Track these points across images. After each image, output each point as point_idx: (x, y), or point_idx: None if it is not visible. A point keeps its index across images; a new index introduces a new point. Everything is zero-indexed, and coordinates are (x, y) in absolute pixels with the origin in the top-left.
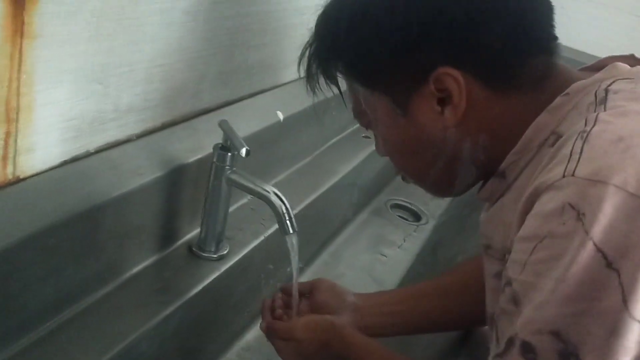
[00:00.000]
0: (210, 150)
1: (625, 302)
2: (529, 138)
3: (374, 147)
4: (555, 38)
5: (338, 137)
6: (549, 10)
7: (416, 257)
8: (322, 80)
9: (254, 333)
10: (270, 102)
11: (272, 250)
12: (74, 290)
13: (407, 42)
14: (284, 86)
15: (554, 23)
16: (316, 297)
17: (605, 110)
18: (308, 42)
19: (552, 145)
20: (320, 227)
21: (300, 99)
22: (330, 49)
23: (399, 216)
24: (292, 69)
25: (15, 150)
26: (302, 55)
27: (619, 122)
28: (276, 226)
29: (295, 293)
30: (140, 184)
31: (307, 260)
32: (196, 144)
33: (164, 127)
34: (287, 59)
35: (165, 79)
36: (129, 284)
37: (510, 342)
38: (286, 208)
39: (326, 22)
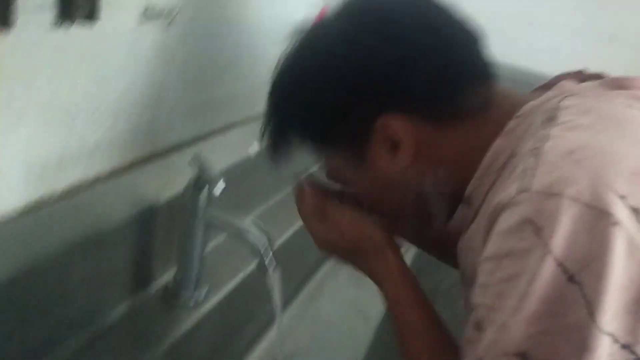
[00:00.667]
0: (183, 187)
1: (591, 314)
2: (488, 164)
3: None
4: (489, 64)
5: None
6: (474, 39)
7: None
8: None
9: None
10: (242, 135)
11: (251, 290)
12: (41, 346)
13: (342, 98)
14: (256, 120)
15: (484, 49)
16: None
17: (556, 126)
18: (264, 119)
19: (513, 168)
20: (299, 262)
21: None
22: (283, 121)
23: None
24: (261, 103)
25: None
26: (262, 133)
27: (569, 135)
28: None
29: (279, 331)
30: (113, 227)
31: (288, 297)
32: (168, 181)
33: (133, 164)
34: (258, 92)
35: (134, 115)
36: (102, 335)
37: None
38: (266, 246)
39: (273, 95)
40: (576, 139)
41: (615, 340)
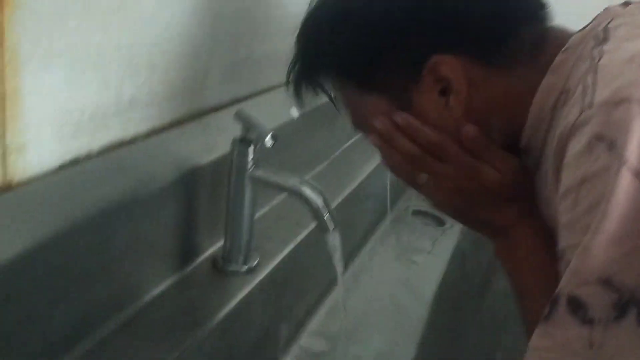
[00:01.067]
0: (226, 149)
1: None
2: (539, 105)
3: None
4: (545, 5)
5: (353, 140)
6: None
7: (449, 260)
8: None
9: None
10: (281, 99)
11: (306, 258)
12: (86, 319)
13: (392, 36)
14: None
15: None
16: None
17: (608, 43)
18: (291, 63)
19: (565, 104)
20: (345, 238)
21: (312, 97)
22: (317, 62)
23: (423, 222)
24: None
25: (5, 149)
26: (288, 77)
27: (624, 45)
28: (307, 230)
29: (341, 295)
30: (154, 188)
31: (325, 290)
32: (210, 143)
33: (172, 124)
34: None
35: (169, 68)
36: (148, 308)
37: (554, 301)
38: (324, 201)
39: (307, 36)
40: (634, 46)
41: None
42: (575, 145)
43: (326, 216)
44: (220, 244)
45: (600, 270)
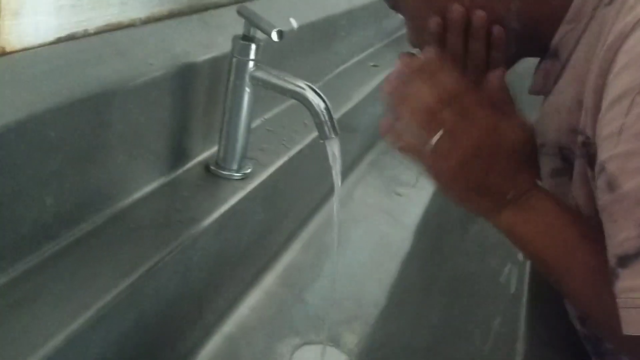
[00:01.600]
0: (226, 49)
1: None
2: (582, 1)
3: (382, 77)
4: None
5: (348, 64)
6: None
7: (433, 193)
8: None
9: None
10: (281, 7)
11: (301, 171)
12: (77, 204)
13: None
14: None
15: None
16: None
17: None
18: None
19: (610, 3)
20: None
21: (314, 10)
22: None
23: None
24: None
25: None
26: None
27: None
28: (301, 146)
29: (337, 206)
30: (151, 77)
31: (317, 204)
32: (209, 40)
33: (171, 15)
34: None
35: None
36: (142, 203)
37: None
38: (326, 106)
39: None
40: None
41: None
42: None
43: (327, 122)
44: (214, 149)
45: None
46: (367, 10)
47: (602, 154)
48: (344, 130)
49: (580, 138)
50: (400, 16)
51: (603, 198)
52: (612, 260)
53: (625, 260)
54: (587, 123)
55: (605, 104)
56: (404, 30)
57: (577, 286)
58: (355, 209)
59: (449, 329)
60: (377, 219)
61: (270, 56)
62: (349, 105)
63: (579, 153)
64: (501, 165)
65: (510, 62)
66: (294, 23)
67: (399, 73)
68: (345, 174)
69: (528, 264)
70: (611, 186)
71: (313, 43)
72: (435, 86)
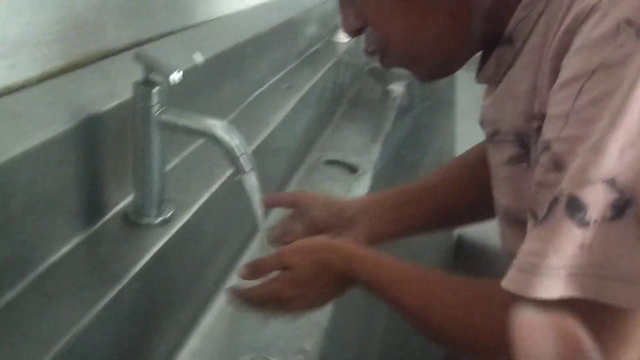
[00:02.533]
0: (129, 94)
1: None
2: None
3: (299, 98)
4: None
5: (262, 89)
6: None
7: None
8: None
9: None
10: (182, 44)
11: (223, 207)
12: None
13: None
14: (195, 28)
15: None
16: (309, 214)
17: None
18: None
19: None
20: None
21: (216, 43)
22: None
23: (336, 171)
24: (202, 8)
25: None
26: None
27: None
28: (222, 180)
29: (263, 240)
30: (51, 136)
31: (251, 229)
32: (110, 88)
33: (66, 69)
34: None
35: (59, 6)
36: (60, 265)
37: (553, 202)
38: (238, 143)
39: None
40: None
41: None
42: (597, 28)
43: (241, 157)
44: (130, 197)
45: (608, 169)
46: (273, 33)
47: (548, 133)
48: (267, 154)
49: (536, 123)
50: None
51: (547, 175)
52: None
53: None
54: (541, 107)
55: (557, 83)
56: (313, 49)
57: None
58: None
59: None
60: None
61: (181, 93)
62: (268, 129)
63: (535, 139)
64: (322, 300)
65: (467, 56)
66: (199, 58)
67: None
68: (276, 191)
69: None
70: (558, 165)
71: (223, 74)
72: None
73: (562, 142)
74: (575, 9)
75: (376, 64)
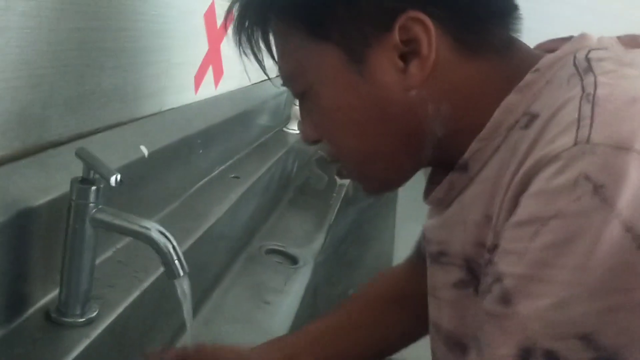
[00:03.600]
0: (65, 189)
1: None
2: (498, 121)
3: (245, 188)
4: (517, 9)
5: (207, 178)
6: None
7: (301, 299)
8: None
9: None
10: (130, 136)
11: (152, 306)
12: None
13: None
14: (144, 119)
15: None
16: None
17: (599, 75)
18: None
19: (526, 126)
20: (196, 279)
21: (165, 134)
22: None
23: (276, 261)
24: (152, 100)
25: None
26: (229, 10)
27: (624, 84)
28: (154, 277)
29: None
30: None
31: (178, 330)
32: (46, 182)
33: (2, 161)
34: (147, 88)
35: (2, 99)
36: None
37: (527, 352)
38: (173, 247)
39: None
40: (635, 86)
41: None
42: (556, 177)
43: (175, 261)
44: (55, 293)
45: (580, 325)
46: (225, 124)
47: (502, 266)
48: (207, 244)
49: (487, 255)
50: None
51: (495, 307)
52: None
53: None
54: (495, 239)
55: (513, 220)
56: (263, 139)
57: None
58: (223, 326)
59: None
60: (245, 333)
61: (125, 183)
62: (210, 220)
63: (484, 269)
64: None
65: (415, 169)
66: (145, 150)
67: None
68: (214, 285)
69: None
70: (505, 300)
71: (169, 165)
72: None
73: (514, 279)
74: (538, 154)
75: (323, 153)
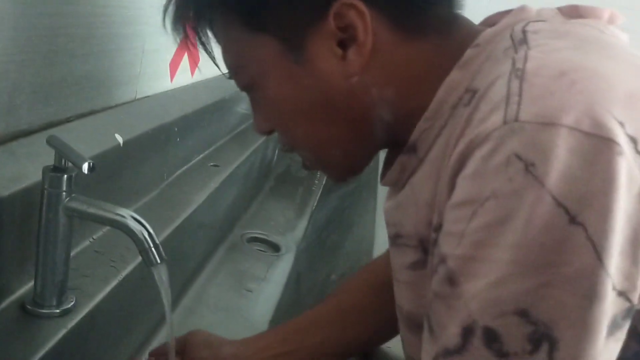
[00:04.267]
0: (37, 178)
1: (599, 258)
2: (441, 100)
3: (224, 176)
4: None
5: (186, 167)
6: None
7: (284, 287)
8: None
9: None
10: (104, 124)
11: (132, 296)
12: None
13: None
14: (118, 107)
15: None
16: (190, 355)
17: (531, 48)
18: None
19: (468, 103)
20: (177, 268)
21: (140, 122)
22: None
23: (258, 249)
24: (126, 88)
25: None
26: (165, 12)
27: (554, 56)
28: (132, 266)
29: (172, 343)
30: None
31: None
32: (18, 171)
33: None
34: (121, 75)
35: None
36: None
37: (468, 332)
38: (149, 234)
39: None
40: (563, 59)
41: (613, 287)
42: (489, 157)
43: (152, 249)
44: (30, 284)
45: (517, 301)
46: (203, 112)
47: (444, 247)
48: (188, 233)
49: (433, 235)
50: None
51: (441, 288)
52: (438, 346)
53: (446, 353)
54: (439, 218)
55: (451, 201)
56: (243, 126)
57: None
58: (206, 315)
59: None
60: (228, 322)
61: (100, 172)
62: (190, 208)
63: (432, 250)
64: None
65: (372, 156)
66: (120, 139)
67: None
68: (195, 274)
69: None
70: (451, 281)
71: (146, 153)
72: None
73: (456, 260)
74: (469, 135)
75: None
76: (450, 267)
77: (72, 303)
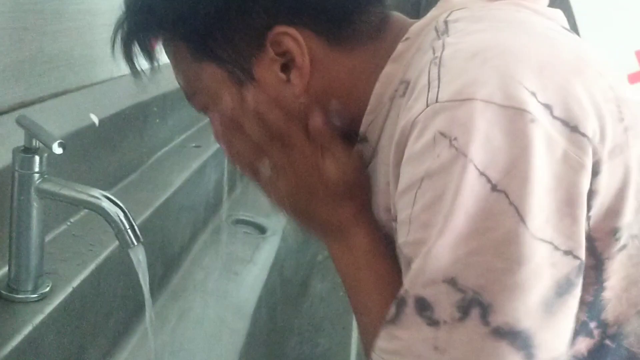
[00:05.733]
0: (7, 161)
1: (522, 221)
2: (379, 93)
3: (206, 157)
4: None
5: (167, 148)
6: None
7: (270, 268)
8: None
9: None
10: (78, 103)
11: (111, 280)
12: None
13: (233, 1)
14: (93, 86)
15: None
16: None
17: (449, 36)
18: (119, 20)
19: (403, 94)
20: (161, 252)
21: (117, 101)
22: (149, 22)
23: (244, 231)
24: (103, 66)
25: None
26: (115, 35)
27: (467, 39)
28: (110, 249)
29: (150, 317)
30: None
31: (152, 292)
32: None
33: None
34: (96, 53)
35: None
36: None
37: (401, 302)
38: (125, 215)
39: None
40: (476, 41)
41: (556, 248)
42: (418, 141)
43: (128, 230)
44: (4, 269)
45: (446, 269)
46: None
47: (400, 237)
48: (170, 215)
49: (394, 224)
50: None
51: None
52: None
53: (385, 325)
54: (394, 208)
55: (398, 190)
56: None
57: (369, 325)
58: (191, 298)
59: None
60: (214, 305)
61: (75, 153)
62: (171, 189)
63: (393, 233)
64: (320, 199)
65: None
66: (95, 119)
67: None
68: (181, 258)
69: (354, 340)
70: (408, 266)
71: (123, 133)
72: (267, 122)
73: (409, 246)
74: (402, 123)
75: None
76: (406, 254)
77: (48, 288)
